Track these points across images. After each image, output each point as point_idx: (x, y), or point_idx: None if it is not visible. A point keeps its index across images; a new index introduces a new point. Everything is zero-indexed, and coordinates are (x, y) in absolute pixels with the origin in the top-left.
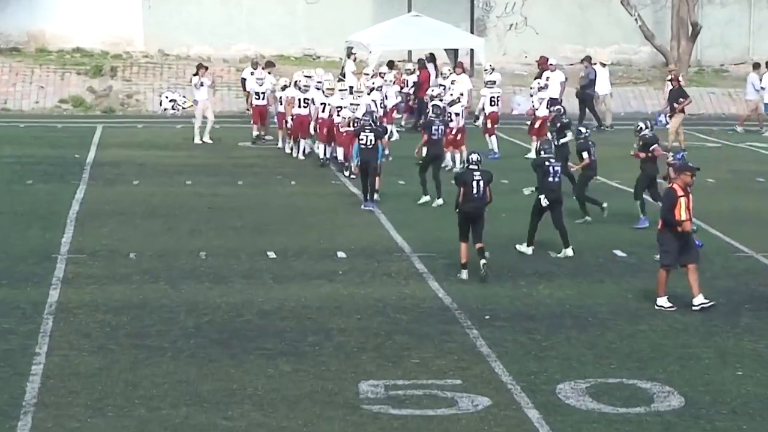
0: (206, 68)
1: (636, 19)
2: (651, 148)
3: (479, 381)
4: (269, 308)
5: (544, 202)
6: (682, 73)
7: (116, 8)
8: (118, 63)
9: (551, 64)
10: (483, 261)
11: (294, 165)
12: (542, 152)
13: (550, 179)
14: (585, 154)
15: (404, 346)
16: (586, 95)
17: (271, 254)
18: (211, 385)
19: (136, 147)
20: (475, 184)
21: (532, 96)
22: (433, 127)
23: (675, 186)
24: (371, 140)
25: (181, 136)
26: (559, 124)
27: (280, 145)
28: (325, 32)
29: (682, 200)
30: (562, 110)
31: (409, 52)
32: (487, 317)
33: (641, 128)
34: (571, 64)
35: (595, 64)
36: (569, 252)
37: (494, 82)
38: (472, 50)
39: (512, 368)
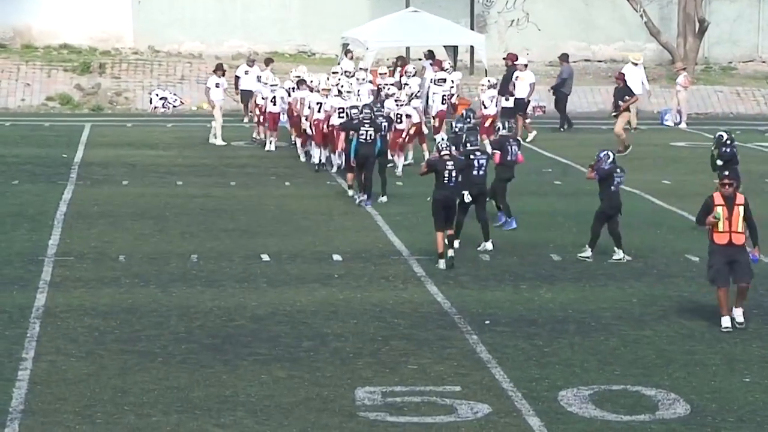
0: (224, 71)
1: (641, 15)
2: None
3: (479, 388)
4: (263, 313)
5: (467, 198)
6: (689, 70)
7: (105, 3)
8: (106, 60)
9: (522, 64)
10: (451, 251)
11: (288, 165)
12: (468, 144)
13: (474, 173)
14: (496, 154)
15: (402, 351)
16: (560, 94)
17: (265, 257)
18: (203, 392)
19: (126, 146)
20: (447, 173)
21: (480, 95)
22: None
23: (715, 194)
24: (371, 135)
25: (172, 135)
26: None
27: (268, 147)
28: (321, 28)
29: (720, 209)
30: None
31: (408, 49)
32: (487, 322)
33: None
34: (575, 62)
35: (627, 63)
36: (489, 246)
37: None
38: (472, 47)
39: (513, 374)
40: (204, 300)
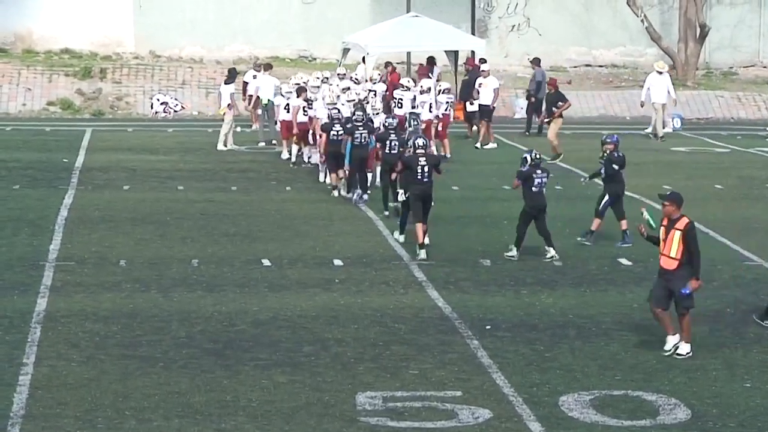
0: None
1: (642, 20)
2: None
3: (480, 393)
4: (264, 318)
5: (402, 197)
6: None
7: (106, 8)
8: (107, 64)
9: (483, 70)
10: (425, 244)
11: (288, 170)
12: (415, 147)
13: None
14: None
15: (403, 356)
16: (537, 99)
17: (266, 262)
18: (204, 397)
19: (127, 151)
20: (419, 168)
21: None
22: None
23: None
24: (365, 137)
25: (173, 140)
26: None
27: (284, 155)
28: (322, 33)
29: (660, 230)
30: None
31: (408, 53)
32: (488, 327)
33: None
34: (575, 67)
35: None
36: (400, 238)
37: (449, 89)
38: (473, 52)
39: (514, 380)
40: (205, 305)
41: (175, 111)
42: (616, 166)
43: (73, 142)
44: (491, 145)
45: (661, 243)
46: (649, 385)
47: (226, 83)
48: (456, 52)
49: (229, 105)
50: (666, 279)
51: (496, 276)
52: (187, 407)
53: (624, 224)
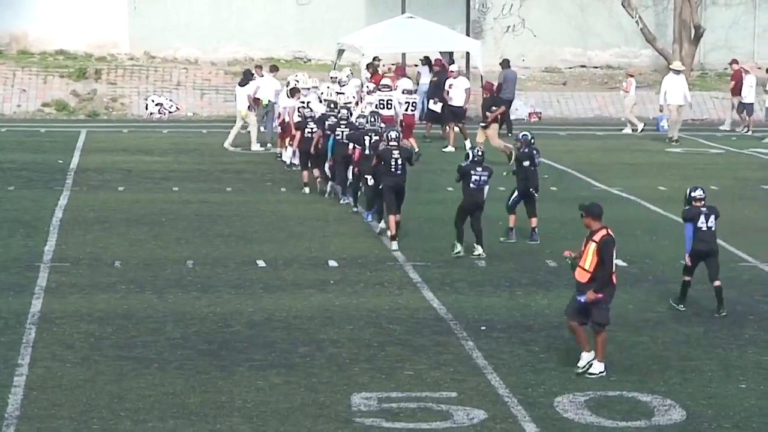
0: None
1: (637, 22)
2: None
3: (475, 393)
4: (259, 319)
5: (371, 181)
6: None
7: (101, 9)
8: (102, 66)
9: (452, 71)
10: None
11: (284, 171)
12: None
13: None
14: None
15: (398, 357)
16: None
17: (261, 263)
18: (199, 398)
19: (122, 152)
20: (393, 161)
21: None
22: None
23: None
24: (346, 134)
25: (168, 141)
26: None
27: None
28: (317, 34)
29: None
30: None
31: (403, 54)
32: (484, 328)
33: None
34: (570, 68)
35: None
36: (382, 224)
37: (411, 91)
38: (468, 53)
39: (509, 380)
40: (200, 306)
41: (170, 112)
42: (526, 163)
43: (68, 143)
44: (449, 149)
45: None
46: (644, 386)
47: (240, 85)
48: (451, 53)
49: (249, 107)
50: (579, 291)
51: (491, 277)
52: (183, 408)
53: (534, 222)
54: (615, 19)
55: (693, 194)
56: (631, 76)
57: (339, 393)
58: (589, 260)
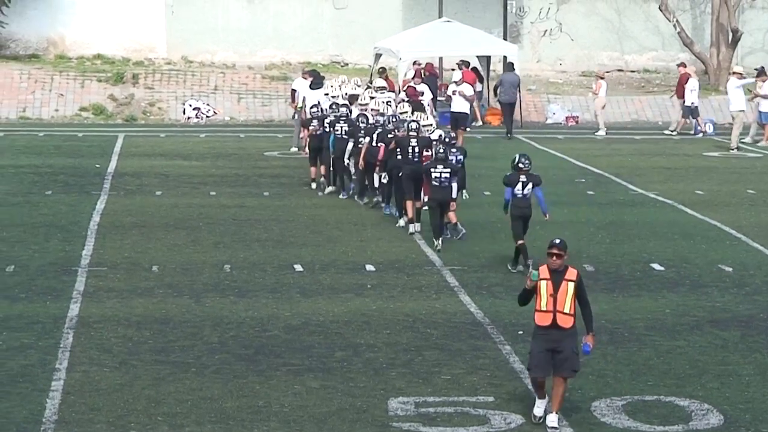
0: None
1: (675, 25)
2: None
3: (512, 398)
4: (296, 323)
5: (384, 179)
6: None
7: (138, 14)
8: (140, 70)
9: (457, 79)
10: (418, 224)
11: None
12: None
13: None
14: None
15: (435, 362)
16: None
17: (298, 267)
18: (237, 402)
19: (159, 156)
20: (410, 149)
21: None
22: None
23: (541, 268)
24: (346, 131)
25: (205, 145)
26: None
27: None
28: (354, 38)
29: (543, 284)
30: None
31: (441, 59)
32: (521, 332)
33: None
34: (608, 72)
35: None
36: (401, 222)
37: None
38: (505, 57)
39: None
40: (237, 310)
41: (207, 116)
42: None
43: (106, 147)
44: None
45: (547, 300)
46: (681, 390)
47: (312, 88)
48: (488, 58)
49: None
50: (556, 339)
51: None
52: (220, 413)
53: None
54: (652, 23)
55: (517, 162)
56: (602, 78)
57: (376, 397)
58: (568, 303)
